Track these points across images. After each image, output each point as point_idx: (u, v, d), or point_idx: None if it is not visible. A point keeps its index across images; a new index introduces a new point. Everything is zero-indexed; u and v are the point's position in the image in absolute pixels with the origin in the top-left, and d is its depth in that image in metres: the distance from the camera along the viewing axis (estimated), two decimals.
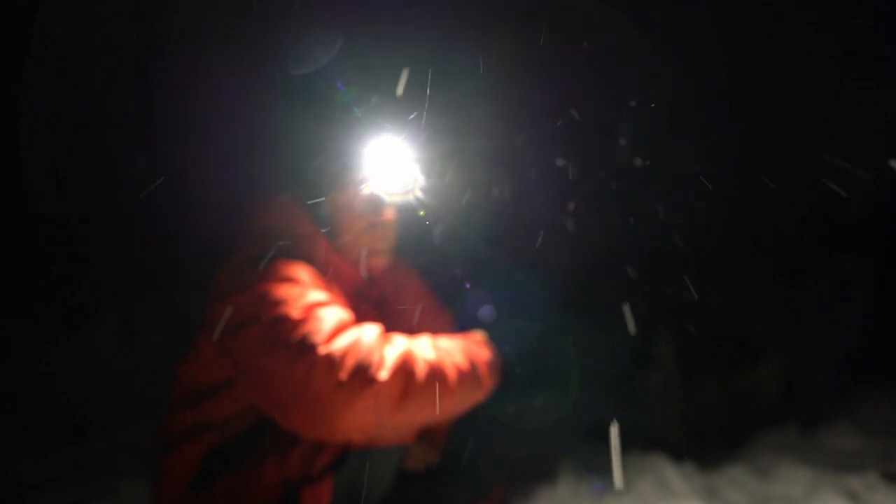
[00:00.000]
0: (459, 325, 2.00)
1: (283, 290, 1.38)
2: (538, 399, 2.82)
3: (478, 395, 1.54)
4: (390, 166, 1.61)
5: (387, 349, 1.37)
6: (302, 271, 1.45)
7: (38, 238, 2.85)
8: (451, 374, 1.44)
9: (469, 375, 1.49)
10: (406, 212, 1.70)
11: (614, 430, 1.84)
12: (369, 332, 1.38)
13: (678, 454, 2.24)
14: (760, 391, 2.66)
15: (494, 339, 1.70)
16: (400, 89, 1.88)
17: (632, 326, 2.67)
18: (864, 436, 2.45)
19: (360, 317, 1.47)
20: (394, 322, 1.73)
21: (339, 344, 1.31)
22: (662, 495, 2.05)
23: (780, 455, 2.29)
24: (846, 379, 2.85)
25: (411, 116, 1.72)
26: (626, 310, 2.68)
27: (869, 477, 2.03)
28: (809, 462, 2.19)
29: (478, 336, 1.67)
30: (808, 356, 2.89)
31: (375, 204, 1.61)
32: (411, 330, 1.72)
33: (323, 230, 1.59)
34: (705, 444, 2.38)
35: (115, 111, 2.98)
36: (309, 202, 1.60)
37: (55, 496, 2.13)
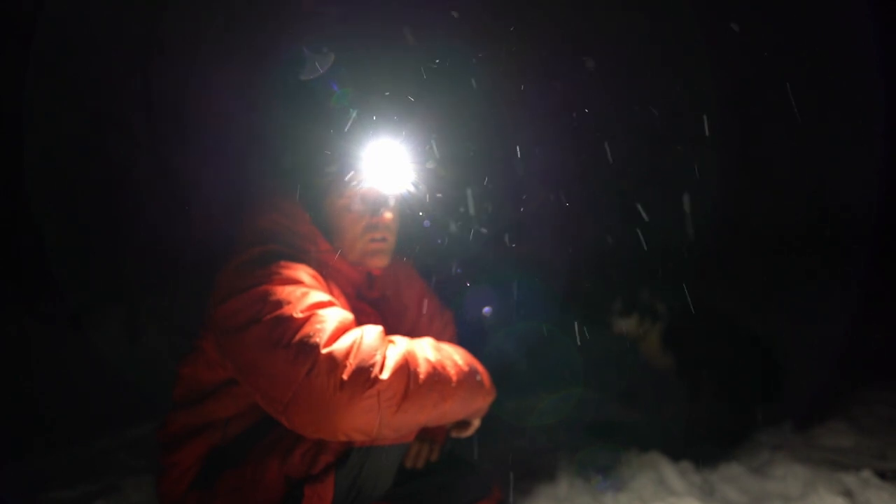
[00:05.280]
0: (459, 324, 2.02)
1: (284, 292, 1.39)
2: (542, 398, 2.84)
3: (481, 400, 1.55)
4: (388, 167, 1.62)
5: (388, 349, 1.37)
6: (302, 272, 1.46)
7: (42, 239, 2.87)
8: (453, 375, 1.44)
9: (470, 377, 1.50)
10: (405, 212, 1.72)
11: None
12: (371, 333, 1.38)
13: (676, 453, 2.26)
14: (756, 388, 2.67)
15: (499, 338, 1.71)
16: (399, 91, 1.89)
17: (630, 326, 2.69)
18: (859, 434, 2.46)
19: (361, 317, 1.48)
20: (394, 322, 1.74)
21: (341, 345, 1.32)
22: (660, 493, 2.05)
23: (777, 453, 2.30)
24: (841, 378, 2.87)
25: (410, 118, 1.73)
26: (626, 310, 2.70)
27: (864, 474, 2.04)
28: (805, 460, 2.21)
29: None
30: (804, 355, 2.90)
31: (374, 205, 1.62)
32: (412, 330, 1.73)
33: (322, 231, 1.61)
34: (703, 442, 2.39)
35: (117, 113, 3.01)
36: (308, 203, 1.61)
37: (60, 494, 2.15)
